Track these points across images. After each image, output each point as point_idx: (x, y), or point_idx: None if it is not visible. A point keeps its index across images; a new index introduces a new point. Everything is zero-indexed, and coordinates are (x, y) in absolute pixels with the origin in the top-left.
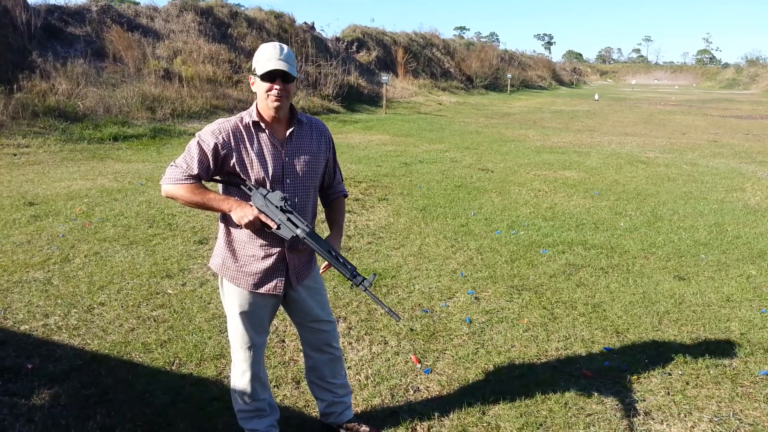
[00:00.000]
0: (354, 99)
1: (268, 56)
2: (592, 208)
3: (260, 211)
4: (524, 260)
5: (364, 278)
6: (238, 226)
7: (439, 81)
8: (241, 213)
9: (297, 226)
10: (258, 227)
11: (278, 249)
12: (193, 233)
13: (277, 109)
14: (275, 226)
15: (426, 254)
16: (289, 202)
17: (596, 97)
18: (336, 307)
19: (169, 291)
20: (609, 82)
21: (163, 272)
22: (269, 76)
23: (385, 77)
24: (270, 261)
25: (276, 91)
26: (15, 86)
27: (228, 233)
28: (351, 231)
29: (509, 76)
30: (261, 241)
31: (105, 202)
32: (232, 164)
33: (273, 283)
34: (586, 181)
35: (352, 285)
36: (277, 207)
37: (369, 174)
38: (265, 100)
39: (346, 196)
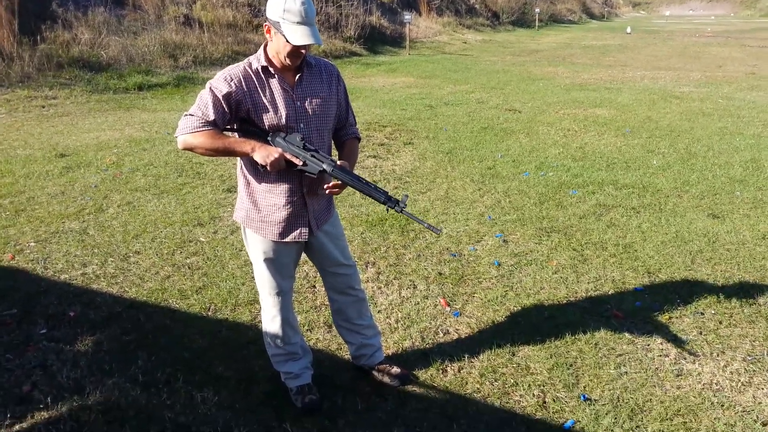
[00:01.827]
0: (376, 40)
1: (296, 17)
2: (624, 147)
3: (284, 150)
4: (553, 202)
5: (398, 200)
6: (257, 174)
7: (464, 18)
8: (265, 152)
9: (322, 162)
10: (283, 166)
11: (298, 195)
12: (221, 181)
13: (293, 64)
14: (301, 162)
15: (453, 198)
16: (306, 142)
17: (628, 30)
18: (364, 253)
19: (201, 239)
20: (642, 14)
21: (194, 221)
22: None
23: (407, 16)
24: (292, 208)
25: (300, 55)
26: (39, 37)
27: (248, 184)
28: (377, 176)
29: (537, 10)
30: (281, 188)
31: (134, 152)
32: (246, 111)
33: (297, 232)
34: (618, 119)
35: (387, 208)
36: (297, 146)
37: (393, 118)
38: (282, 54)
39: (359, 139)
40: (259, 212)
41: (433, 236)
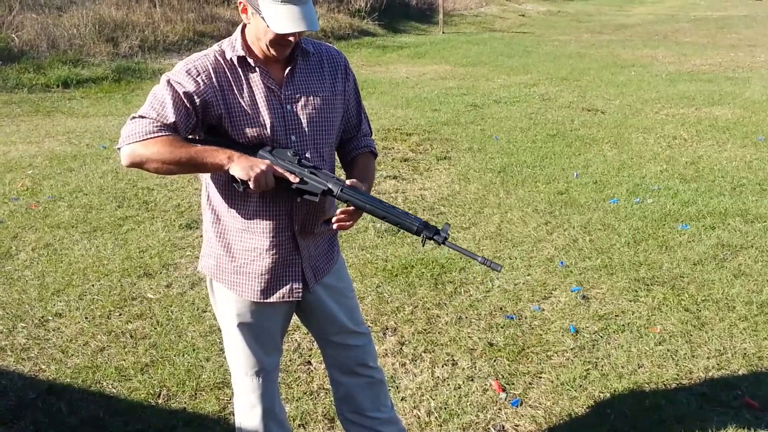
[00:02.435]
0: (397, 15)
1: None
2: (756, 162)
3: (272, 163)
4: (654, 241)
5: (438, 229)
6: (231, 204)
7: None
8: (247, 163)
9: (326, 181)
10: (271, 185)
11: (288, 234)
12: (178, 214)
13: (280, 55)
14: (297, 180)
15: (509, 236)
16: (301, 158)
17: None
18: (382, 315)
19: (149, 295)
20: None
21: (139, 269)
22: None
23: None
24: (279, 253)
25: (288, 44)
26: None
27: (217, 219)
28: (399, 203)
29: None
30: (264, 225)
31: (56, 173)
32: (216, 117)
33: (287, 288)
34: (746, 122)
35: (423, 241)
36: (291, 162)
37: (422, 123)
38: (263, 42)
39: (375, 154)
40: (232, 260)
41: (481, 291)
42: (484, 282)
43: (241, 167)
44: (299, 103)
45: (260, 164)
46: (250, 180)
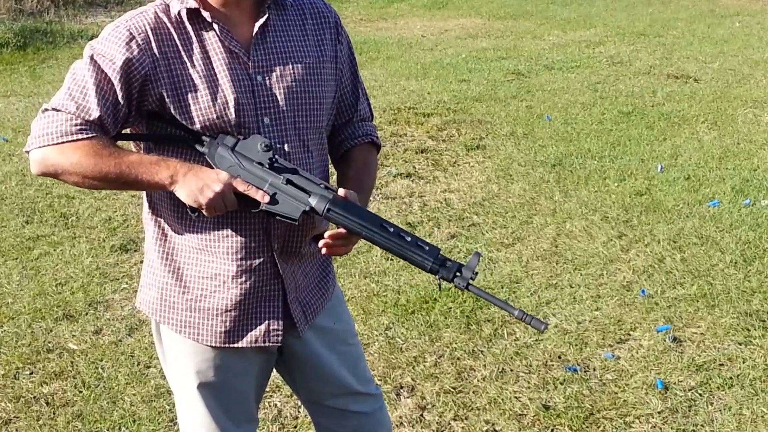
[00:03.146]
0: None
1: None
2: None
3: (232, 175)
4: None
5: (461, 265)
6: (183, 218)
7: None
8: (197, 181)
9: (307, 191)
10: (233, 207)
11: (264, 257)
12: (109, 231)
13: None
14: (266, 198)
15: (568, 255)
16: (277, 155)
17: None
18: (393, 368)
19: (70, 345)
20: None
21: (57, 310)
22: None
23: None
24: (251, 282)
25: None
26: None
27: (163, 237)
28: (415, 212)
29: None
30: (230, 243)
31: None
32: (157, 98)
33: (261, 328)
34: None
35: (438, 282)
36: (259, 163)
37: (445, 99)
38: None
39: (378, 146)
40: (184, 291)
41: (529, 334)
42: (539, 312)
43: (188, 190)
44: (274, 73)
45: (214, 183)
46: (201, 207)
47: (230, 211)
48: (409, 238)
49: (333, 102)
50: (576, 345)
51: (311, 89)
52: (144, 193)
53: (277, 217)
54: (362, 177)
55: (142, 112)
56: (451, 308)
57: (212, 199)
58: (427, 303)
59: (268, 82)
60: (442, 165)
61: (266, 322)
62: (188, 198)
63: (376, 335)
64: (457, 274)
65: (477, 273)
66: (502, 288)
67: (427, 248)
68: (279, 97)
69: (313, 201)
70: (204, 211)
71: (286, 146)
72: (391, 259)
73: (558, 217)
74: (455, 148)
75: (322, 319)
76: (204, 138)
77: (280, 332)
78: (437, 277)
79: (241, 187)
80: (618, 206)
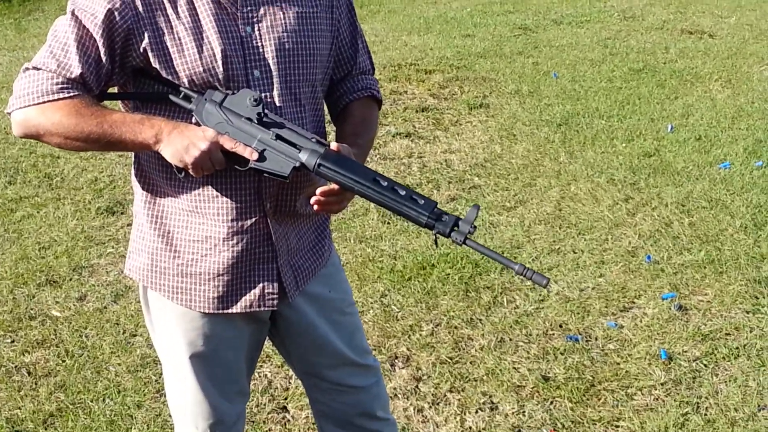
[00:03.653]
0: None
1: None
2: None
3: (219, 132)
4: None
5: (458, 219)
6: (171, 179)
7: None
8: (183, 139)
9: (298, 146)
10: (220, 165)
11: (256, 217)
12: (95, 193)
13: None
14: (255, 155)
15: (572, 219)
16: (267, 109)
17: None
18: (388, 336)
19: (53, 312)
20: None
21: (40, 275)
22: None
23: None
24: (242, 245)
25: None
26: None
27: (152, 200)
28: (414, 173)
29: None
30: (220, 204)
31: None
32: (141, 53)
33: (255, 292)
34: None
35: (434, 237)
36: (248, 119)
37: (448, 54)
38: None
39: (378, 101)
40: (175, 256)
41: (532, 298)
42: (535, 287)
43: (173, 150)
44: (264, 23)
45: (200, 141)
46: (186, 167)
47: (219, 170)
48: (403, 192)
49: (329, 55)
50: (578, 313)
51: (304, 40)
52: (132, 153)
53: (267, 175)
54: (360, 132)
55: (127, 68)
56: (449, 275)
57: (198, 157)
58: (424, 269)
59: (257, 32)
60: (443, 124)
61: (260, 285)
62: (173, 158)
63: (371, 303)
64: (455, 228)
65: (475, 227)
66: (503, 253)
67: (423, 202)
68: (269, 49)
69: (303, 156)
70: (190, 171)
71: (276, 100)
72: (388, 223)
73: (562, 180)
74: (457, 107)
75: (316, 286)
76: (191, 94)
77: (275, 296)
78: (433, 231)
79: (228, 144)
80: (625, 168)
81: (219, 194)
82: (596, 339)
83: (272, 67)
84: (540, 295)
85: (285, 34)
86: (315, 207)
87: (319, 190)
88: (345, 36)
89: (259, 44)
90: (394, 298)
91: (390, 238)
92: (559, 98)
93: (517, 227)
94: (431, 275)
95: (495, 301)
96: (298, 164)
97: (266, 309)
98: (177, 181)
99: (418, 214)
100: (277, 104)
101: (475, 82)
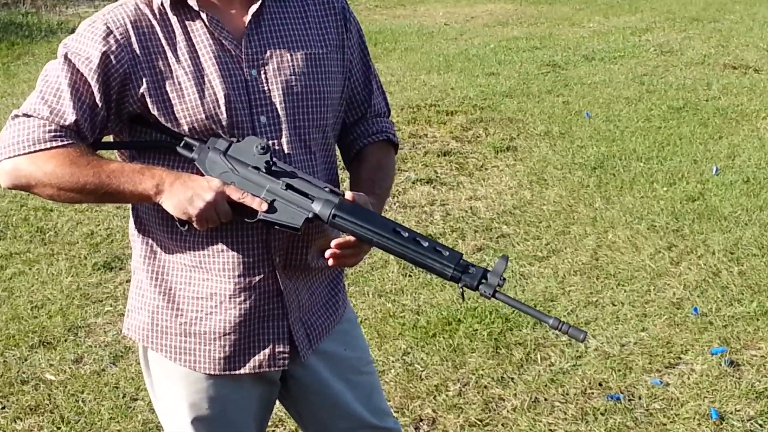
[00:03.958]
0: None
1: None
2: None
3: (225, 183)
4: None
5: (486, 270)
6: (170, 231)
7: None
8: (186, 191)
9: (310, 196)
10: (227, 218)
11: (265, 272)
12: (91, 247)
13: None
14: (264, 206)
15: (610, 269)
16: (276, 157)
17: None
18: (411, 397)
19: (48, 376)
20: None
21: (32, 336)
22: None
23: None
24: (251, 302)
25: None
26: None
27: (152, 253)
28: (437, 222)
29: None
30: (227, 259)
31: None
32: (139, 97)
33: (265, 353)
34: None
35: (462, 292)
36: (255, 168)
37: (471, 94)
38: None
39: (395, 145)
40: (177, 314)
41: (566, 358)
42: (571, 342)
43: (176, 201)
44: (270, 65)
45: (205, 192)
46: (191, 220)
47: (224, 223)
48: (426, 243)
49: (341, 97)
50: (619, 370)
51: (313, 83)
52: (130, 205)
53: (277, 227)
54: (376, 179)
55: (123, 115)
56: (477, 330)
57: (203, 209)
58: (449, 324)
59: (263, 76)
60: (468, 169)
61: (270, 344)
62: (176, 209)
63: (393, 361)
64: (482, 280)
65: (505, 279)
66: (536, 306)
67: (447, 253)
68: (276, 93)
69: (316, 207)
70: (195, 224)
71: (285, 147)
72: (410, 275)
73: (599, 227)
74: (482, 150)
75: (331, 343)
76: (192, 143)
77: (286, 355)
78: (459, 285)
79: (236, 195)
80: (667, 213)
81: (225, 248)
82: (640, 398)
83: (280, 113)
84: (577, 351)
85: (293, 77)
86: (330, 261)
87: (334, 243)
88: (358, 77)
89: (266, 88)
90: (417, 356)
91: (412, 291)
92: (593, 139)
93: (551, 278)
94: (457, 331)
95: (528, 358)
96: (311, 215)
97: (277, 369)
98: (179, 235)
99: (443, 266)
100: (286, 152)
101: (501, 124)
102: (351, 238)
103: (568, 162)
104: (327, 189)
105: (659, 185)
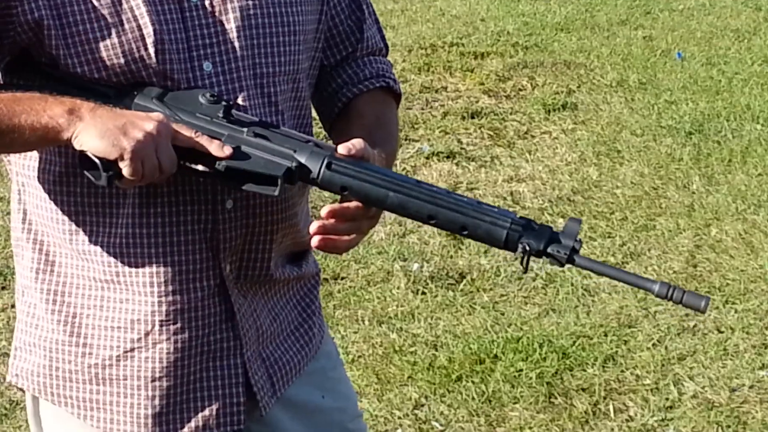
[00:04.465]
0: None
1: None
2: None
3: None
4: None
5: (554, 232)
6: (71, 230)
7: None
8: (116, 118)
9: (291, 148)
10: (169, 165)
11: (206, 287)
12: None
13: None
14: (227, 150)
15: (713, 278)
16: (230, 104)
17: None
18: None
19: None
20: None
21: None
22: None
23: None
24: (188, 331)
25: None
26: None
27: (47, 272)
28: None
29: None
30: (153, 268)
31: None
32: (29, 25)
33: (213, 406)
34: None
35: (524, 261)
36: (206, 116)
37: (509, 28)
38: None
39: (397, 95)
40: (85, 352)
41: (649, 408)
42: (659, 388)
43: (102, 130)
44: None
45: (144, 121)
46: (122, 157)
47: (163, 178)
48: (461, 198)
49: (317, 30)
50: (728, 426)
51: (280, 11)
52: (13, 195)
53: (247, 186)
54: (376, 140)
55: (3, 47)
56: (521, 371)
57: (142, 142)
58: (481, 363)
59: (208, 3)
60: (506, 137)
61: (218, 392)
62: (102, 142)
63: (399, 417)
64: (555, 242)
65: (581, 241)
66: (606, 336)
67: (497, 209)
68: (228, 27)
69: (301, 157)
70: (125, 170)
71: (245, 94)
72: (423, 292)
73: (697, 219)
74: (527, 110)
75: (302, 388)
76: (105, 90)
77: (242, 408)
78: (520, 246)
79: (186, 132)
80: None
81: (152, 251)
82: None
83: (232, 55)
84: (667, 399)
85: (251, 2)
86: (316, 240)
87: (325, 210)
88: (341, 2)
89: (212, 21)
90: (435, 408)
91: (427, 315)
92: (688, 92)
93: (628, 293)
94: (493, 372)
95: (596, 410)
96: (294, 165)
97: (231, 430)
98: (86, 233)
99: (494, 220)
100: (249, 100)
101: (555, 71)
102: (349, 204)
103: (651, 125)
104: (311, 143)
105: None
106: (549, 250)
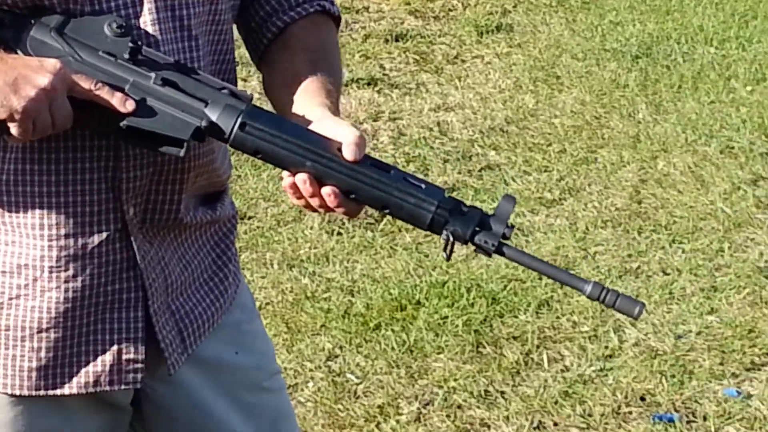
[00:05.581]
0: None
1: None
2: None
3: (67, 68)
4: None
5: (485, 214)
6: None
7: None
8: (7, 72)
9: (202, 99)
10: (64, 121)
11: (105, 231)
12: None
13: None
14: (131, 105)
15: (659, 215)
16: (141, 42)
17: None
18: (338, 426)
19: None
20: None
21: None
22: None
23: None
24: (82, 278)
25: None
26: None
27: None
28: (384, 146)
29: None
30: (45, 209)
31: None
32: None
33: (106, 358)
34: None
35: (447, 249)
36: (110, 54)
37: None
38: None
39: (336, 17)
40: None
41: (586, 357)
42: (598, 336)
43: None
44: None
45: (37, 74)
46: (12, 118)
47: (59, 133)
48: (391, 171)
49: None
50: (673, 376)
51: None
52: None
53: (147, 147)
54: (319, 72)
55: None
56: (447, 318)
57: (34, 100)
58: (402, 310)
59: None
60: (434, 62)
61: (114, 347)
62: None
63: (311, 369)
64: (479, 229)
65: (513, 227)
66: (541, 279)
67: (425, 186)
68: None
69: (212, 113)
70: (13, 129)
71: (150, 30)
72: (338, 232)
73: (643, 150)
74: (457, 32)
75: (215, 345)
76: (1, 15)
77: (140, 366)
78: (444, 234)
79: (86, 83)
80: (752, 128)
81: (43, 190)
82: (705, 418)
83: None
84: (606, 346)
85: None
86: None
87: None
88: None
89: None
90: (350, 360)
91: (342, 258)
92: (635, 12)
93: (566, 232)
94: (415, 320)
95: (528, 360)
96: (204, 124)
97: (125, 388)
98: None
99: (419, 203)
100: (155, 36)
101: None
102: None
103: (594, 48)
104: (225, 91)
105: (740, 83)
106: (476, 239)
